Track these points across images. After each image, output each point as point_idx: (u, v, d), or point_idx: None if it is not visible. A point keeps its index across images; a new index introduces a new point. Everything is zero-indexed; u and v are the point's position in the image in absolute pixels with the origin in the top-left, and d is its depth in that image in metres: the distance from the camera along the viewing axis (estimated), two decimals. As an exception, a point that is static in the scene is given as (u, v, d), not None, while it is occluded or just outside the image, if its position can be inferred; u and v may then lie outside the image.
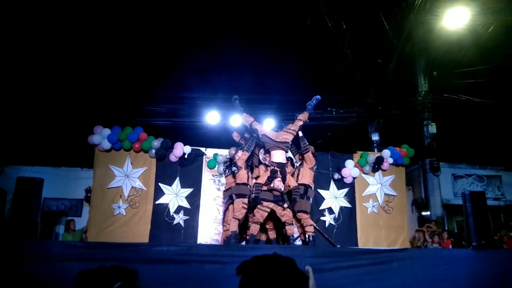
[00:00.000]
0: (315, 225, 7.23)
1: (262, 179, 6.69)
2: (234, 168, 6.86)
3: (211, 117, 10.69)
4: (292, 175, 7.18)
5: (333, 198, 8.72)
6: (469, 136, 12.25)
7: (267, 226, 7.07)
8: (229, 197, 6.93)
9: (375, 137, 12.06)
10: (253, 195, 6.62)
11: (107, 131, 8.34)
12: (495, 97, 11.14)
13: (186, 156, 8.48)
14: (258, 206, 6.54)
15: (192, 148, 8.65)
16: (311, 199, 7.04)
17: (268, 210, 6.60)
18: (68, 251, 4.96)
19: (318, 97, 7.48)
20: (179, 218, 8.18)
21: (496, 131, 12.42)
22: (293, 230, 6.69)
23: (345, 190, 8.88)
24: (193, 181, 8.40)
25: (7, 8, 10.25)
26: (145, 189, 8.34)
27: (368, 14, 11.62)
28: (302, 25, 12.19)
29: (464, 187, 11.75)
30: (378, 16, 11.21)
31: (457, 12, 9.76)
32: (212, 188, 8.50)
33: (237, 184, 6.71)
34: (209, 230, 8.18)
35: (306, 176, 6.94)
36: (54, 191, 9.95)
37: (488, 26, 10.00)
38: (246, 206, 6.56)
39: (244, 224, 7.01)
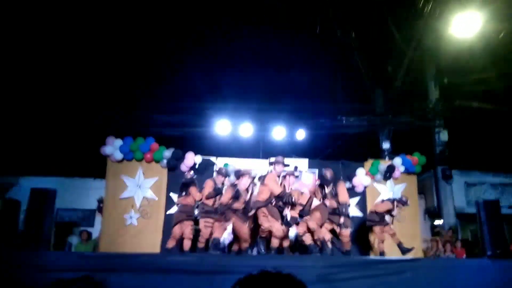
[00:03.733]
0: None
1: None
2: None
3: (222, 127, 10.76)
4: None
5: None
6: (481, 143, 12.09)
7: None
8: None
9: (386, 145, 11.98)
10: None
11: (119, 142, 8.45)
12: (507, 104, 11.02)
13: (197, 165, 8.53)
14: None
15: (202, 158, 8.70)
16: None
17: None
18: (80, 261, 4.99)
19: None
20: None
21: (508, 138, 12.25)
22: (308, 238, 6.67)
23: (356, 199, 8.84)
24: (204, 191, 8.42)
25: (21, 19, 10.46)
26: (157, 199, 8.41)
27: (377, 22, 11.62)
28: (312, 33, 12.24)
29: (477, 195, 11.57)
30: (387, 23, 11.21)
31: (467, 18, 9.69)
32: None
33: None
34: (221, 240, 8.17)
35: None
36: (67, 202, 10.04)
37: (499, 32, 9.92)
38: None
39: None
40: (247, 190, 6.76)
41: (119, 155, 8.40)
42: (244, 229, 6.59)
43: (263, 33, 13.03)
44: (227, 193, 6.65)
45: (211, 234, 6.70)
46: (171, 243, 7.20)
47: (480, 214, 6.14)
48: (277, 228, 6.30)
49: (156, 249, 7.93)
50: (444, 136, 11.25)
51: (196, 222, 7.47)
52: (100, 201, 8.89)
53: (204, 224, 7.02)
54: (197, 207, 7.90)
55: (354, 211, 8.75)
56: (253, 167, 9.01)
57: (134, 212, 8.34)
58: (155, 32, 12.47)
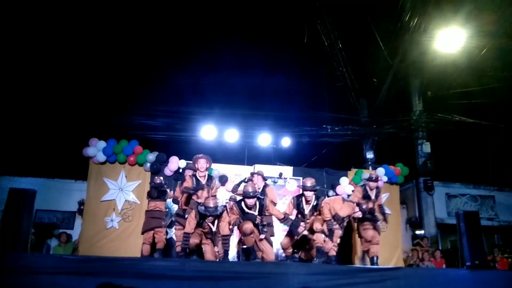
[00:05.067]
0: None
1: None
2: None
3: (207, 132, 10.73)
4: None
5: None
6: (463, 155, 12.34)
7: None
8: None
9: (370, 155, 12.11)
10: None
11: (102, 144, 8.34)
12: (488, 118, 11.28)
13: (181, 170, 8.47)
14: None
15: (187, 163, 8.64)
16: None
17: None
18: (58, 264, 4.88)
19: None
20: (173, 233, 8.11)
21: (489, 151, 12.54)
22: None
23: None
24: (187, 196, 8.37)
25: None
26: (139, 202, 8.31)
27: (363, 33, 11.79)
28: (298, 43, 12.35)
29: (458, 207, 11.78)
30: (374, 35, 11.38)
31: (451, 33, 9.93)
32: (206, 202, 8.45)
33: None
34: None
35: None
36: (46, 203, 9.86)
37: (482, 48, 10.17)
38: None
39: None
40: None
41: (102, 157, 8.28)
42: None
43: (250, 40, 13.10)
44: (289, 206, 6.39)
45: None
46: (147, 250, 7.08)
47: (460, 225, 6.24)
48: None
49: (137, 253, 7.81)
50: (426, 147, 11.43)
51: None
52: (81, 203, 8.76)
53: (175, 227, 6.93)
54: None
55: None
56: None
57: (115, 215, 8.22)
58: (142, 36, 12.43)
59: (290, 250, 6.51)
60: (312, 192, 6.19)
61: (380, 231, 7.18)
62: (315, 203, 6.24)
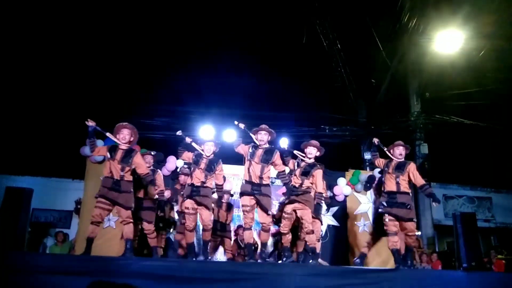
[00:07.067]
0: None
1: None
2: None
3: (205, 132, 10.71)
4: None
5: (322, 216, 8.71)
6: (460, 157, 12.37)
7: None
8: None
9: (367, 155, 12.12)
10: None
11: (100, 143, 8.29)
12: (486, 119, 11.31)
13: (178, 170, 8.45)
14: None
15: (185, 162, 8.62)
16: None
17: None
18: (54, 263, 4.87)
19: None
20: (171, 233, 8.09)
21: (486, 153, 12.56)
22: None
23: (335, 208, 8.91)
24: (185, 195, 8.35)
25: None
26: (136, 202, 8.25)
27: (362, 34, 11.81)
28: (297, 43, 12.36)
29: (455, 208, 11.82)
30: (373, 36, 11.40)
31: (450, 35, 9.96)
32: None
33: None
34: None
35: None
36: (43, 202, 9.84)
37: (480, 49, 10.20)
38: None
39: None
40: None
41: (99, 156, 8.24)
42: None
43: (249, 40, 13.09)
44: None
45: None
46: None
47: (457, 227, 6.24)
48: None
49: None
50: (424, 149, 11.44)
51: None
52: (78, 202, 8.71)
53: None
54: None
55: (331, 221, 8.82)
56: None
57: (112, 215, 8.16)
58: (140, 36, 12.41)
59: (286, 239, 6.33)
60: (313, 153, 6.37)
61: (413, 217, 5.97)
62: (309, 169, 6.28)
